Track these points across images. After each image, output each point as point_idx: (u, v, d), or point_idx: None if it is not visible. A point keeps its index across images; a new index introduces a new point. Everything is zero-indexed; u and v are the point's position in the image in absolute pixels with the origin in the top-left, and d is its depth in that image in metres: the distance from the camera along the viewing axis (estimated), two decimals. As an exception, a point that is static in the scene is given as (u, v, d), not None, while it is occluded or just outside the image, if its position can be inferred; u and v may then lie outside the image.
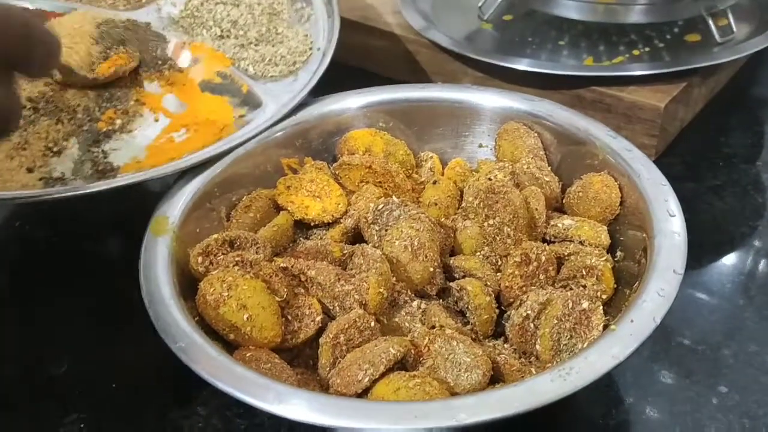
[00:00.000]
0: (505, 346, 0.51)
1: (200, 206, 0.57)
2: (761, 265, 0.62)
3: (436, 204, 0.59)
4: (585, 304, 0.49)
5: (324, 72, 0.67)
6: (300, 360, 0.51)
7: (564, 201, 0.60)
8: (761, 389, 0.52)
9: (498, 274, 0.55)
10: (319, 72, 0.67)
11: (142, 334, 0.48)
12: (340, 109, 0.66)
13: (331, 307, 0.51)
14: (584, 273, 0.53)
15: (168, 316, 0.47)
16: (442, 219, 0.58)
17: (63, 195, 0.56)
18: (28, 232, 0.69)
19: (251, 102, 0.66)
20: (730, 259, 0.63)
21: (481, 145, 0.66)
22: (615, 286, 0.53)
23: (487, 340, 0.52)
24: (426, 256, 0.52)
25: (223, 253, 0.53)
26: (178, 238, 0.54)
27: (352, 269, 0.53)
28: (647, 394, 0.52)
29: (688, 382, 0.53)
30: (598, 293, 0.51)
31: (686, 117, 0.76)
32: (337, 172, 0.62)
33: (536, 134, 0.63)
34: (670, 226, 0.51)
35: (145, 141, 0.62)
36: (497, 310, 0.53)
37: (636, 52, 0.77)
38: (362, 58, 0.86)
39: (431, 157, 0.65)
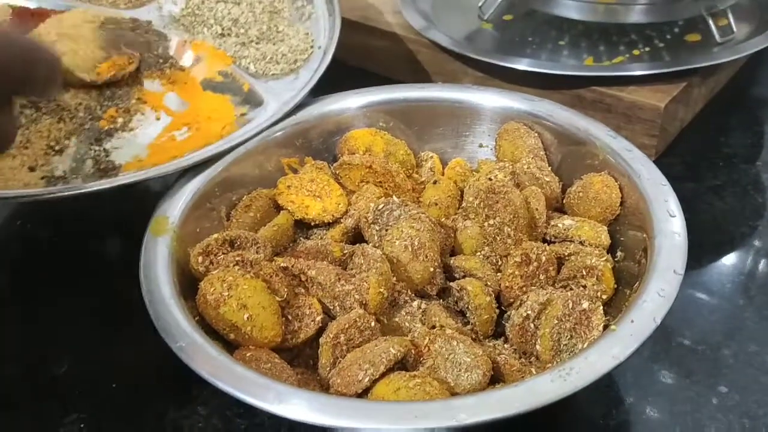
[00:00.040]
0: (506, 346, 0.51)
1: (200, 206, 0.57)
2: (761, 265, 0.62)
3: (436, 204, 0.59)
4: (585, 305, 0.49)
5: (325, 70, 0.67)
6: (300, 360, 0.51)
7: (564, 201, 0.60)
8: (761, 389, 0.52)
9: (498, 274, 0.55)
10: (320, 70, 0.67)
11: (142, 333, 0.48)
12: (341, 108, 0.66)
13: (332, 307, 0.51)
14: (584, 273, 0.53)
15: (168, 316, 0.47)
16: (443, 219, 0.58)
17: (65, 194, 0.56)
18: (28, 231, 0.69)
19: (252, 100, 0.66)
20: (730, 259, 0.63)
21: (481, 145, 0.66)
22: (615, 286, 0.53)
23: (487, 340, 0.52)
24: (426, 256, 0.52)
25: (223, 253, 0.53)
26: (178, 237, 0.54)
27: (352, 269, 0.53)
28: (647, 394, 0.52)
29: (689, 382, 0.53)
30: (599, 293, 0.51)
31: (686, 117, 0.76)
32: (337, 172, 0.62)
33: (536, 134, 0.63)
34: (671, 226, 0.51)
35: (146, 139, 0.62)
36: (497, 310, 0.53)
37: (636, 52, 0.77)
38: (362, 58, 0.86)
39: (431, 157, 0.65)
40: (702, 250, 0.63)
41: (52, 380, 0.55)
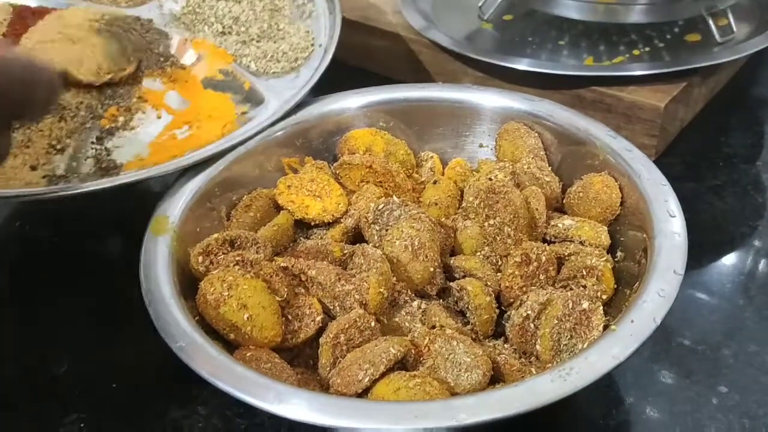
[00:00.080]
0: (506, 346, 0.51)
1: (200, 206, 0.57)
2: (761, 265, 0.62)
3: (436, 204, 0.59)
4: (585, 305, 0.49)
5: (325, 69, 0.67)
6: (300, 360, 0.51)
7: (564, 201, 0.60)
8: (761, 389, 0.52)
9: (498, 274, 0.55)
10: (321, 68, 0.67)
11: (142, 333, 0.48)
12: (341, 108, 0.66)
13: (332, 307, 0.51)
14: (584, 273, 0.53)
15: (168, 316, 0.47)
16: (443, 219, 0.58)
17: (67, 193, 0.56)
18: (28, 231, 0.69)
19: (253, 99, 0.66)
20: (730, 259, 0.63)
21: (481, 145, 0.66)
22: (615, 286, 0.53)
23: (487, 340, 0.52)
24: (426, 256, 0.52)
25: (223, 253, 0.53)
26: (178, 237, 0.54)
27: (352, 269, 0.53)
28: (647, 394, 0.52)
29: (688, 382, 0.53)
30: (599, 293, 0.51)
31: (686, 117, 0.76)
32: (337, 172, 0.62)
33: (536, 134, 0.63)
34: (671, 226, 0.51)
35: (147, 138, 0.62)
36: (497, 310, 0.53)
37: (636, 52, 0.77)
38: (362, 57, 0.86)
39: (431, 157, 0.65)
40: (702, 250, 0.63)
41: (52, 380, 0.55)
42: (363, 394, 0.45)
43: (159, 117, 0.64)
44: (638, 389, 0.52)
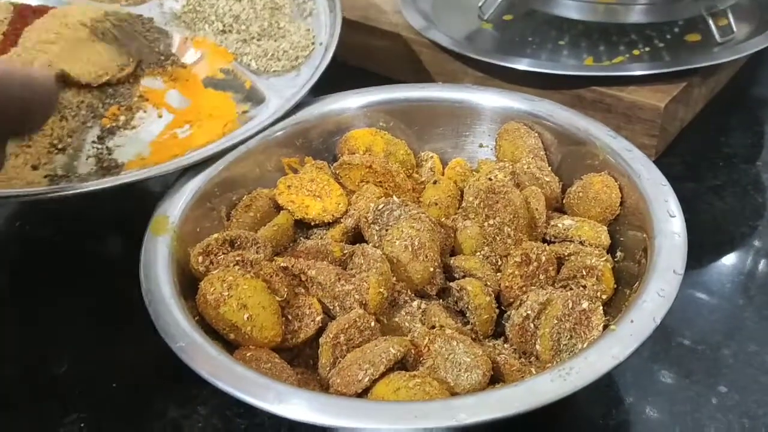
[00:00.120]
0: (505, 346, 0.51)
1: (200, 206, 0.57)
2: (761, 265, 0.62)
3: (436, 204, 0.59)
4: (585, 305, 0.49)
5: (326, 67, 0.67)
6: (300, 360, 0.51)
7: (564, 201, 0.60)
8: (761, 389, 0.52)
9: (498, 274, 0.55)
10: (321, 67, 0.67)
11: (142, 333, 0.48)
12: (341, 108, 0.66)
13: (332, 307, 0.51)
14: (584, 273, 0.53)
15: (168, 316, 0.47)
16: (443, 219, 0.58)
17: (68, 192, 0.56)
18: (28, 231, 0.69)
19: (254, 98, 0.66)
20: (730, 259, 0.63)
21: (481, 145, 0.66)
22: (615, 286, 0.53)
23: (487, 340, 0.52)
24: (426, 256, 0.52)
25: (223, 253, 0.53)
26: (178, 237, 0.54)
27: (352, 269, 0.53)
28: (647, 394, 0.52)
29: (688, 382, 0.53)
30: (598, 293, 0.51)
31: (686, 117, 0.76)
32: (337, 172, 0.62)
33: (536, 134, 0.63)
34: (670, 226, 0.51)
35: (148, 137, 0.62)
36: (497, 310, 0.53)
37: (636, 52, 0.77)
38: (362, 57, 0.86)
39: (431, 157, 0.65)
40: (702, 250, 0.63)
41: (52, 380, 0.55)
42: (363, 394, 0.45)
43: (160, 116, 0.64)
44: (638, 389, 0.52)
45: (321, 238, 0.58)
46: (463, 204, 0.59)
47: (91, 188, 0.56)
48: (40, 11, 0.67)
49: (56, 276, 0.64)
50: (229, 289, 0.48)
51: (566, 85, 0.72)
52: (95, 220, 0.69)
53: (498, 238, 0.55)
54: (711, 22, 0.75)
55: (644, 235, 0.52)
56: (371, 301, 0.49)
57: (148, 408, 0.53)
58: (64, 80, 0.62)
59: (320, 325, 0.50)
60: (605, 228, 0.56)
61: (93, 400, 0.54)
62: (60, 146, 0.60)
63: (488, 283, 0.53)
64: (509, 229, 0.55)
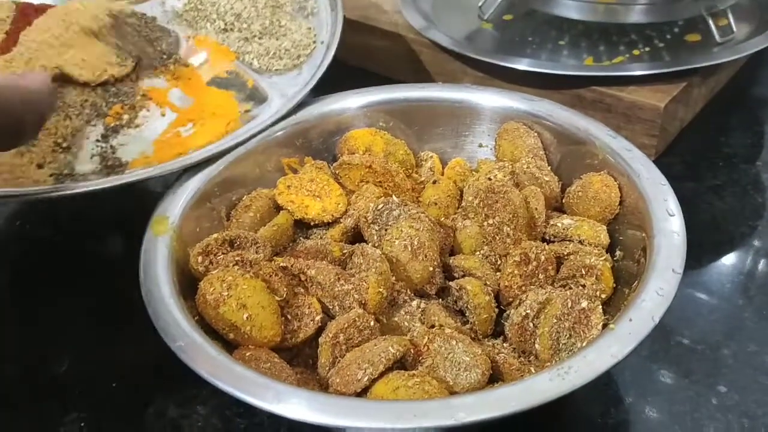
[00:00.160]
0: (505, 345, 0.51)
1: (200, 206, 0.57)
2: (761, 265, 0.62)
3: (435, 203, 0.59)
4: (584, 304, 0.49)
5: (328, 66, 0.67)
6: (299, 359, 0.51)
7: (564, 201, 0.60)
8: (760, 389, 0.52)
9: (497, 273, 0.55)
10: (323, 65, 0.67)
11: (142, 333, 0.48)
12: (341, 108, 0.66)
13: (331, 307, 0.51)
14: (583, 272, 0.53)
15: (168, 316, 0.47)
16: (442, 218, 0.58)
17: (74, 191, 0.56)
18: (28, 231, 0.69)
19: (257, 97, 0.66)
20: (729, 259, 0.63)
21: (481, 145, 0.66)
22: (614, 285, 0.53)
23: (486, 340, 0.52)
24: (425, 256, 0.53)
25: (223, 253, 0.53)
26: (178, 237, 0.54)
27: (351, 269, 0.53)
28: (646, 393, 0.52)
29: (688, 381, 0.53)
30: (598, 292, 0.51)
31: (686, 117, 0.76)
32: (337, 172, 0.62)
33: (536, 134, 0.63)
34: (670, 225, 0.51)
35: (152, 136, 0.62)
36: (496, 310, 0.53)
37: (636, 52, 0.77)
38: (362, 57, 0.86)
39: (431, 157, 0.65)
40: (701, 249, 0.63)
41: (53, 379, 0.55)
42: (362, 393, 0.45)
43: (163, 115, 0.64)
44: (637, 388, 0.52)
45: (320, 237, 0.58)
46: (463, 204, 0.59)
47: (96, 188, 0.56)
48: (41, 9, 0.67)
49: (56, 276, 0.64)
50: (228, 289, 0.48)
51: (566, 85, 0.72)
52: (95, 220, 0.69)
53: (497, 238, 0.55)
54: (711, 22, 0.75)
55: (643, 235, 0.52)
56: (370, 301, 0.50)
57: (147, 407, 0.53)
58: (64, 79, 0.62)
59: (319, 324, 0.50)
60: (604, 227, 0.56)
61: (93, 399, 0.54)
62: (64, 145, 0.60)
63: (487, 283, 0.53)
64: (509, 229, 0.55)
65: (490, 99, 0.65)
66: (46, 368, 0.56)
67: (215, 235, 0.54)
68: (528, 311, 0.50)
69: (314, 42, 0.72)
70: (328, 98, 0.66)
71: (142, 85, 0.65)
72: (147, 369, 0.55)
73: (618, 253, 0.55)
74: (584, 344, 0.47)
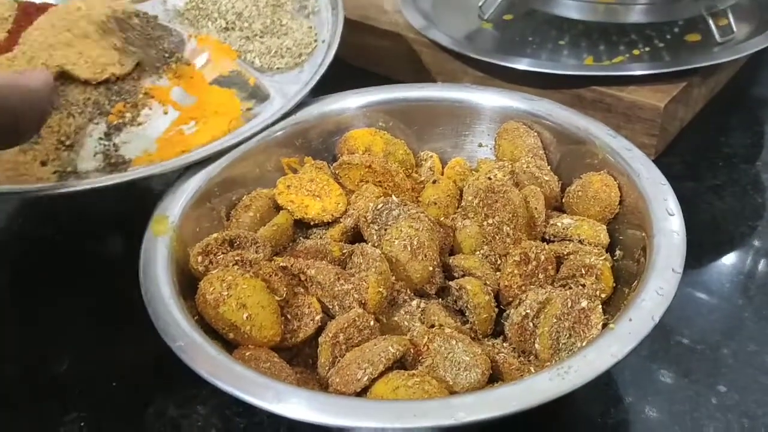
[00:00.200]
0: (504, 344, 0.51)
1: (200, 205, 0.57)
2: (761, 265, 0.62)
3: (435, 203, 0.59)
4: (584, 303, 0.49)
5: (329, 64, 0.67)
6: (299, 359, 0.51)
7: (563, 200, 0.60)
8: (760, 389, 0.52)
9: (497, 273, 0.55)
10: (325, 64, 0.68)
11: (142, 333, 0.48)
12: (340, 108, 0.66)
13: (331, 306, 0.51)
14: (583, 272, 0.53)
15: (167, 315, 0.47)
16: (442, 218, 0.58)
17: (78, 188, 0.56)
18: (29, 231, 0.69)
19: (258, 95, 0.66)
20: (729, 259, 0.63)
21: (480, 145, 0.66)
22: (614, 285, 0.53)
23: (486, 339, 0.52)
24: (425, 256, 0.53)
25: (222, 253, 0.53)
26: (178, 237, 0.54)
27: (351, 268, 0.53)
28: (646, 393, 0.52)
29: (687, 381, 0.53)
30: (597, 292, 0.51)
31: (686, 117, 0.76)
32: (336, 172, 0.62)
33: (536, 133, 0.63)
34: (670, 225, 0.51)
35: (155, 133, 0.63)
36: (496, 309, 0.53)
37: (636, 52, 0.77)
38: (362, 57, 0.86)
39: (431, 157, 0.65)
40: (701, 249, 0.63)
41: (53, 379, 0.55)
42: (362, 393, 0.45)
43: (166, 113, 0.64)
44: (637, 388, 0.52)
45: (320, 237, 0.58)
46: (463, 203, 0.59)
47: (100, 185, 0.57)
48: (43, 9, 0.67)
49: (56, 276, 0.64)
50: (228, 289, 0.48)
51: (566, 85, 0.72)
52: (96, 220, 0.69)
53: (497, 237, 0.55)
54: (711, 22, 0.75)
55: (643, 234, 0.52)
56: (370, 301, 0.50)
57: (147, 407, 0.53)
58: (66, 77, 0.62)
59: (319, 324, 0.50)
60: (604, 227, 0.56)
61: (93, 399, 0.54)
62: (68, 143, 0.60)
63: (487, 282, 0.53)
64: (508, 228, 0.55)
65: (490, 99, 0.65)
66: (46, 368, 0.56)
67: (215, 235, 0.54)
68: (528, 311, 0.50)
69: (315, 41, 0.72)
70: (328, 98, 0.66)
71: (144, 84, 0.65)
72: (147, 369, 0.55)
73: (618, 252, 0.55)
74: (584, 344, 0.47)
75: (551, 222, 0.57)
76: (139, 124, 0.63)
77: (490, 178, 0.58)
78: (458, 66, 0.79)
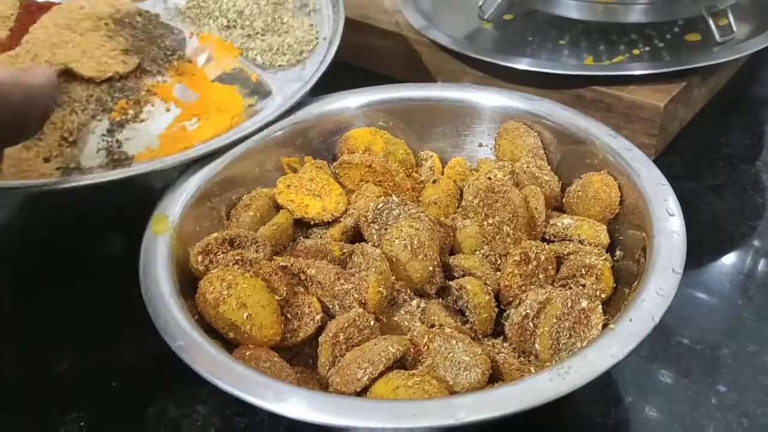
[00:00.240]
0: (505, 345, 0.51)
1: (200, 205, 0.57)
2: (760, 265, 0.62)
3: (435, 203, 0.59)
4: (584, 303, 0.49)
5: (330, 62, 0.67)
6: (299, 359, 0.51)
7: (564, 200, 0.60)
8: (760, 389, 0.52)
9: (497, 273, 0.55)
10: (326, 61, 0.68)
11: (142, 332, 0.48)
12: (340, 108, 0.66)
13: (331, 306, 0.51)
14: (583, 272, 0.53)
15: (168, 315, 0.47)
16: (442, 218, 0.58)
17: (81, 183, 0.56)
18: (28, 231, 0.69)
19: (260, 91, 0.66)
20: (729, 259, 0.63)
21: (481, 144, 0.66)
22: (614, 285, 0.53)
23: (486, 339, 0.52)
24: (425, 255, 0.53)
25: (222, 252, 0.53)
26: (178, 236, 0.54)
27: (351, 268, 0.53)
28: (646, 393, 0.52)
29: (687, 381, 0.53)
30: (598, 292, 0.51)
31: (686, 117, 0.76)
32: (337, 171, 0.62)
33: (536, 133, 0.63)
34: (670, 225, 0.51)
35: (157, 130, 0.63)
36: (496, 309, 0.53)
37: (636, 52, 0.77)
38: (362, 57, 0.86)
39: (431, 156, 0.65)
40: (701, 249, 0.63)
41: (53, 379, 0.55)
42: (362, 392, 0.45)
43: (168, 110, 0.64)
44: (637, 388, 0.52)
45: (320, 237, 0.58)
46: (463, 203, 0.59)
47: (103, 180, 0.57)
48: (46, 7, 0.67)
49: (56, 276, 0.64)
50: (228, 288, 0.48)
51: (566, 85, 0.72)
52: (95, 220, 0.69)
53: (497, 237, 0.55)
54: (711, 21, 0.75)
55: (643, 234, 0.52)
56: (370, 300, 0.50)
57: (147, 407, 0.53)
58: (69, 75, 0.62)
59: (319, 324, 0.50)
60: (604, 227, 0.56)
61: (93, 399, 0.54)
62: (71, 139, 0.60)
63: (487, 282, 0.53)
64: (508, 228, 0.55)
65: (490, 98, 0.65)
66: (46, 368, 0.56)
67: (215, 235, 0.54)
68: (528, 311, 0.50)
69: (316, 38, 0.72)
70: (328, 98, 0.66)
71: (146, 81, 0.65)
72: (147, 369, 0.55)
73: (618, 252, 0.55)
74: (584, 344, 0.47)
75: (551, 222, 0.57)
76: (142, 120, 0.63)
77: (490, 178, 0.58)
78: (458, 66, 0.79)
